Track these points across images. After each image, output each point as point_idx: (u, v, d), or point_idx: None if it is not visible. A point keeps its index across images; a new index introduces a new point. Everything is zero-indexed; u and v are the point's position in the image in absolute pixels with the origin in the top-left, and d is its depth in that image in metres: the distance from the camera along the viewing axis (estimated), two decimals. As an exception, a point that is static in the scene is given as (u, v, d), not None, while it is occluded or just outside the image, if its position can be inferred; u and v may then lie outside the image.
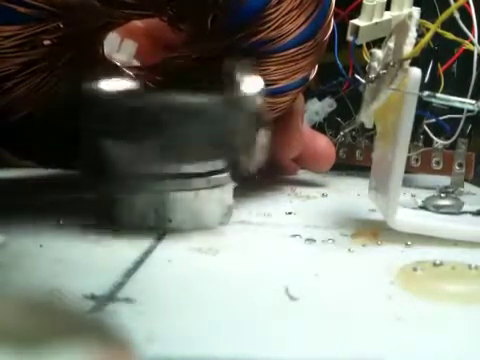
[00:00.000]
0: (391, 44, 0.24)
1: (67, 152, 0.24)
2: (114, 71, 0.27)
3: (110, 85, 0.22)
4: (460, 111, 0.34)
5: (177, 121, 0.22)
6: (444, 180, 0.36)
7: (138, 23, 0.30)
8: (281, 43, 0.25)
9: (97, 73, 0.23)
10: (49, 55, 0.24)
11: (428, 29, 0.22)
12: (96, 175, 0.22)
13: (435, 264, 0.19)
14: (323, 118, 0.40)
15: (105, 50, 0.27)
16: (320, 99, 0.40)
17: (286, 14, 0.24)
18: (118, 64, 0.28)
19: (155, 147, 0.22)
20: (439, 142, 0.36)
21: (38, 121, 0.26)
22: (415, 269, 0.19)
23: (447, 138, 0.35)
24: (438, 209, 0.26)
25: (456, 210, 0.27)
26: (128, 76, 0.27)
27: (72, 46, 0.24)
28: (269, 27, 0.24)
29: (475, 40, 0.31)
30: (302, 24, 0.25)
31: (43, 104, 0.25)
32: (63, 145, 0.27)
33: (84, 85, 0.21)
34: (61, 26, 0.22)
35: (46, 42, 0.23)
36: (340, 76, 0.38)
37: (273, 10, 0.24)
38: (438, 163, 0.37)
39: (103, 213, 0.23)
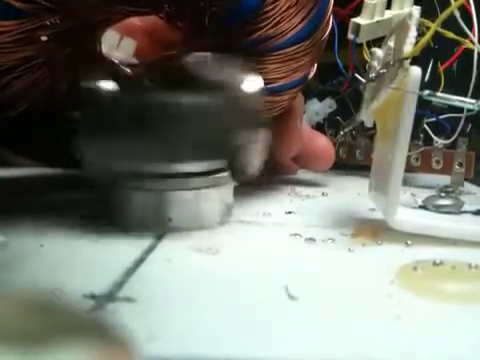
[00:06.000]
0: (391, 43, 0.24)
1: (66, 150, 0.24)
2: (112, 69, 0.27)
3: (108, 83, 0.22)
4: (460, 110, 0.34)
5: (176, 120, 0.22)
6: (444, 179, 0.36)
7: (137, 21, 0.30)
8: (279, 41, 0.25)
9: (95, 70, 0.23)
10: (46, 51, 0.23)
11: (428, 28, 0.22)
12: (95, 173, 0.22)
13: (435, 263, 0.19)
14: (323, 118, 0.40)
15: (104, 48, 0.27)
16: (320, 99, 0.40)
17: (284, 12, 0.24)
18: (116, 62, 0.28)
19: (154, 146, 0.22)
20: (439, 141, 0.36)
21: (36, 118, 0.26)
22: (415, 268, 0.19)
23: (447, 137, 0.35)
24: (438, 208, 0.26)
25: (456, 209, 0.27)
26: (126, 74, 0.27)
27: (69, 42, 0.24)
28: (267, 25, 0.24)
29: (475, 39, 0.31)
30: (300, 22, 0.25)
31: (41, 100, 0.25)
32: (62, 143, 0.26)
33: (82, 83, 0.21)
34: (58, 22, 0.22)
35: (43, 38, 0.23)
36: (340, 75, 0.38)
37: (270, 7, 0.24)
38: (438, 162, 0.37)
39: (103, 212, 0.23)
